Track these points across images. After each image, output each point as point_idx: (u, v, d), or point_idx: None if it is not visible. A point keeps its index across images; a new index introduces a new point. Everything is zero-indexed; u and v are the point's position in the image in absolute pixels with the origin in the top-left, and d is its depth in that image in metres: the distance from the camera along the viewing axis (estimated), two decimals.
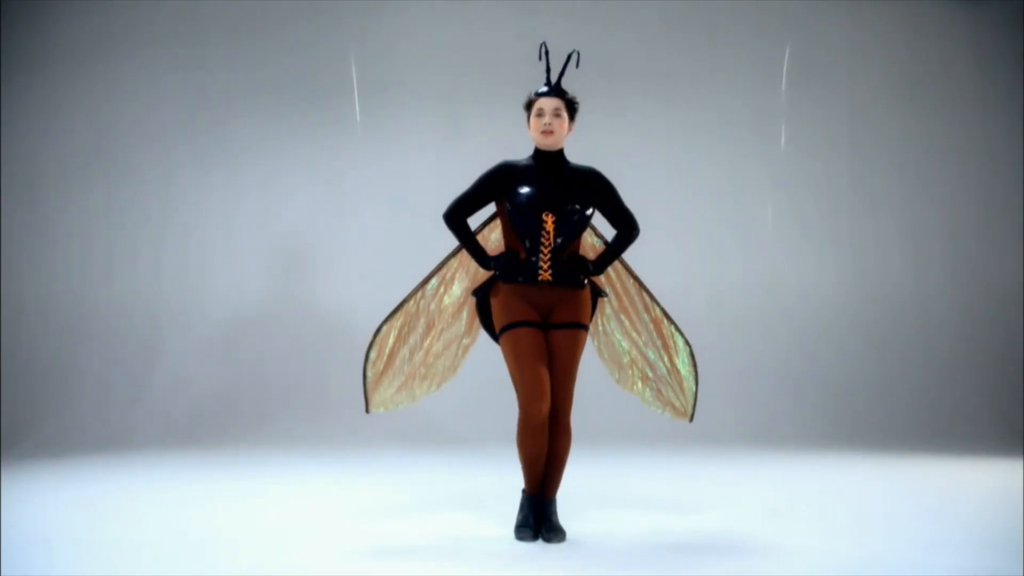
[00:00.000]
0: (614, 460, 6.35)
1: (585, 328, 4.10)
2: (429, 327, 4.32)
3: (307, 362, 7.57)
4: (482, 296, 4.16)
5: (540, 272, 3.99)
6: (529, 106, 4.09)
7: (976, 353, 7.89)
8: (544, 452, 4.03)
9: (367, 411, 4.39)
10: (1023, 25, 8.06)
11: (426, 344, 4.33)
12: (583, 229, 4.09)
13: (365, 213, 7.74)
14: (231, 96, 7.71)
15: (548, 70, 4.13)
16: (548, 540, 4.02)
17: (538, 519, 4.07)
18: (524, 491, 4.13)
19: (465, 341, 4.37)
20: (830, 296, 7.99)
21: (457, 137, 7.70)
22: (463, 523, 4.43)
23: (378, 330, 4.30)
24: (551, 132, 4.03)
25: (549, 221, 3.98)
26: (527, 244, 4.00)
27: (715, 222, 8.04)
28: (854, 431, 7.38)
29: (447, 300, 4.32)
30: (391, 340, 4.30)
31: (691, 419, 4.44)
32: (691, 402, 4.42)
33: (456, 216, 4.14)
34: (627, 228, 4.21)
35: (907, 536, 4.20)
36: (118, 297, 7.58)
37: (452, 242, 4.35)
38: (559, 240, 4.00)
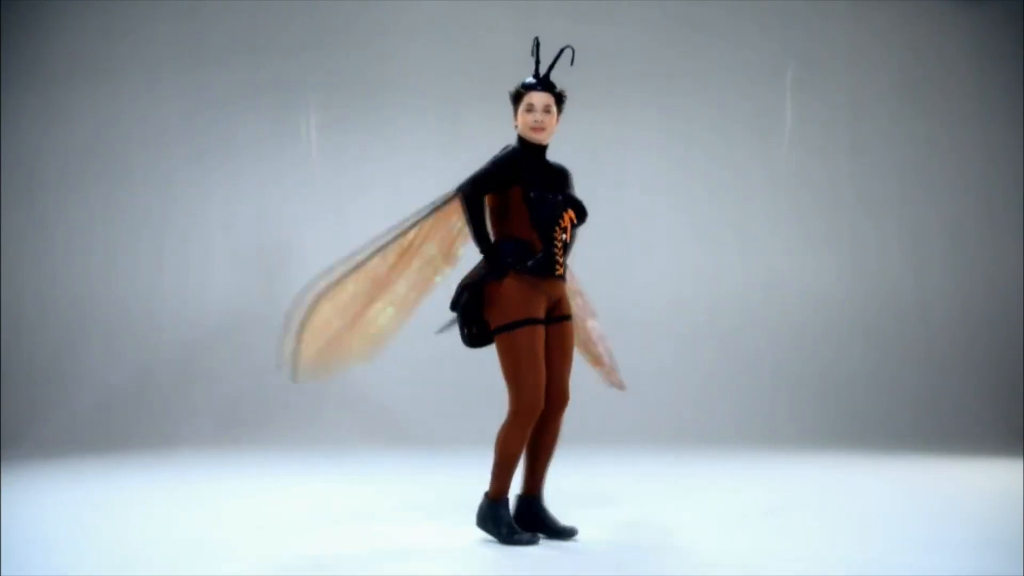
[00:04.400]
0: (614, 460, 6.35)
1: None
2: (372, 293, 4.06)
3: None
4: (477, 290, 3.95)
5: (556, 266, 3.96)
6: (517, 98, 4.02)
7: (976, 353, 7.88)
8: (524, 449, 3.99)
9: (292, 375, 4.08)
10: (1023, 25, 8.06)
11: (370, 311, 4.07)
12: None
13: (365, 213, 7.73)
14: (231, 96, 7.71)
15: (538, 63, 4.07)
16: (575, 533, 4.02)
17: (534, 520, 4.04)
18: (495, 500, 3.97)
19: (398, 313, 4.11)
20: (830, 296, 7.99)
21: (457, 137, 7.69)
22: (463, 523, 4.43)
23: (319, 289, 4.02)
24: (542, 128, 3.99)
25: (568, 217, 3.97)
26: (543, 237, 3.94)
27: (715, 222, 8.03)
28: (854, 431, 7.37)
29: (400, 267, 4.08)
30: (331, 302, 4.02)
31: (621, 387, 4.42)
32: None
33: (476, 195, 3.92)
34: (581, 222, 4.10)
35: (907, 536, 4.19)
36: (118, 297, 7.58)
37: None
38: (571, 236, 4.00)
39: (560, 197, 3.95)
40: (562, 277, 3.99)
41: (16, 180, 7.56)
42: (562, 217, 3.95)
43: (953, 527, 4.38)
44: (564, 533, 4.04)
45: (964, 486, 5.48)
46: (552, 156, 4.11)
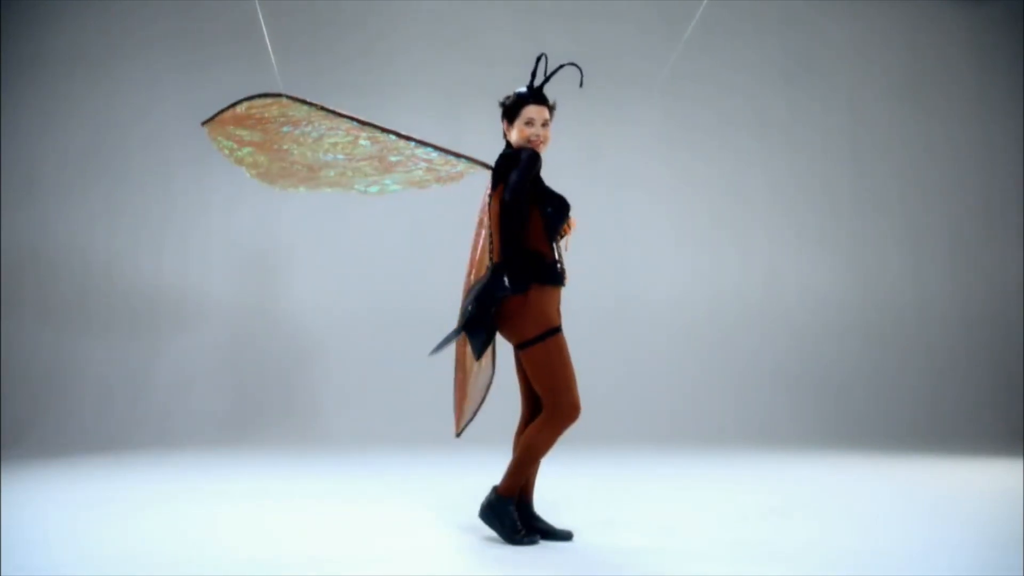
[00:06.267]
0: (614, 460, 6.35)
1: None
2: (317, 137, 4.24)
3: (307, 362, 7.57)
4: (499, 303, 3.89)
5: (564, 275, 3.99)
6: (513, 110, 4.01)
7: (976, 353, 7.89)
8: None
9: (203, 122, 4.33)
10: (1023, 25, 8.07)
11: (303, 145, 4.25)
12: None
13: (364, 213, 7.74)
14: (230, 96, 7.69)
15: (533, 75, 4.05)
16: (571, 537, 4.03)
17: (529, 527, 4.05)
18: (506, 497, 4.01)
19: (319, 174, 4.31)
20: (830, 296, 7.99)
21: (457, 137, 7.69)
22: (462, 523, 4.43)
23: (294, 99, 4.18)
24: (542, 142, 4.00)
25: (569, 224, 4.01)
26: (554, 247, 3.97)
27: (715, 222, 8.04)
28: (854, 431, 7.38)
29: (354, 147, 4.23)
30: (284, 113, 4.19)
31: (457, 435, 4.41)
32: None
33: (523, 205, 3.85)
34: None
35: (907, 536, 4.19)
36: (118, 297, 7.58)
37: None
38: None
39: (569, 207, 3.98)
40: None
41: (16, 180, 7.56)
42: (566, 225, 4.00)
43: (953, 527, 4.38)
44: (561, 536, 4.04)
45: (964, 486, 5.48)
46: (552, 157, 4.12)
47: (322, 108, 4.17)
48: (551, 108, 4.03)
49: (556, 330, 3.91)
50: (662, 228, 7.96)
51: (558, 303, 3.99)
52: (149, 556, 3.82)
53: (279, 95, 4.18)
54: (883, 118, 8.17)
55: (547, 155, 4.05)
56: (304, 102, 4.17)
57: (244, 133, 4.32)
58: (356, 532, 4.25)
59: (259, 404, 7.43)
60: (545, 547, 3.96)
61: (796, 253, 8.04)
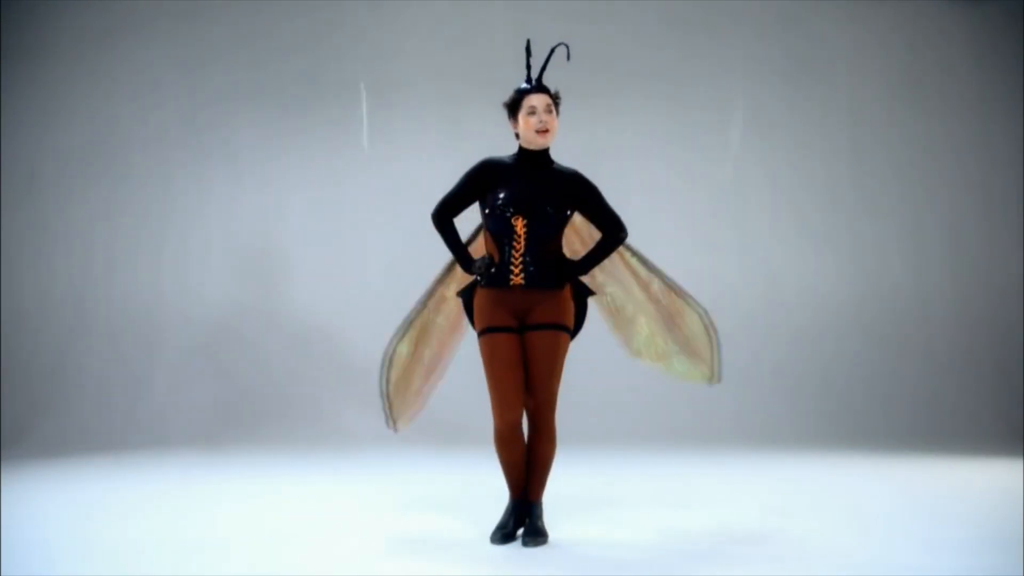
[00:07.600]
0: (612, 460, 6.35)
1: (565, 329, 4.04)
2: (437, 339, 4.30)
3: (306, 363, 7.56)
4: (468, 297, 4.11)
5: (511, 276, 3.97)
6: (515, 105, 4.01)
7: (976, 353, 7.88)
8: (519, 458, 4.03)
9: (395, 430, 4.34)
10: (1023, 25, 8.06)
11: (436, 355, 4.32)
12: (557, 232, 4.03)
13: (365, 215, 7.74)
14: (231, 96, 7.71)
15: (529, 67, 4.07)
16: (525, 544, 3.96)
17: (518, 522, 4.05)
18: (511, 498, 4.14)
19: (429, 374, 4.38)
20: (830, 296, 7.99)
21: (457, 139, 7.70)
22: (461, 522, 4.43)
23: (392, 349, 4.27)
24: (547, 130, 3.99)
25: (519, 224, 3.95)
26: (501, 247, 3.99)
27: (715, 222, 8.03)
28: (854, 431, 7.37)
29: (447, 309, 4.30)
30: (404, 356, 4.28)
31: (718, 380, 4.45)
32: (714, 365, 4.45)
33: (441, 216, 4.10)
34: (613, 230, 4.17)
35: (907, 536, 4.20)
36: (118, 297, 7.58)
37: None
38: (531, 243, 3.97)
39: (513, 208, 3.94)
40: (526, 286, 3.98)
41: (16, 180, 7.56)
42: (513, 226, 3.94)
43: (953, 527, 4.38)
44: (533, 534, 4.01)
45: (964, 486, 5.48)
46: (552, 157, 4.12)
47: (407, 328, 4.28)
48: (553, 96, 4.03)
49: (487, 330, 3.98)
50: (662, 228, 7.94)
51: (513, 304, 3.98)
52: (149, 556, 3.82)
53: (390, 359, 4.28)
54: (883, 118, 8.16)
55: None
56: (399, 338, 4.28)
57: (422, 396, 4.36)
58: (356, 531, 4.25)
59: (258, 404, 7.42)
60: (545, 547, 3.96)
61: (796, 253, 8.03)
